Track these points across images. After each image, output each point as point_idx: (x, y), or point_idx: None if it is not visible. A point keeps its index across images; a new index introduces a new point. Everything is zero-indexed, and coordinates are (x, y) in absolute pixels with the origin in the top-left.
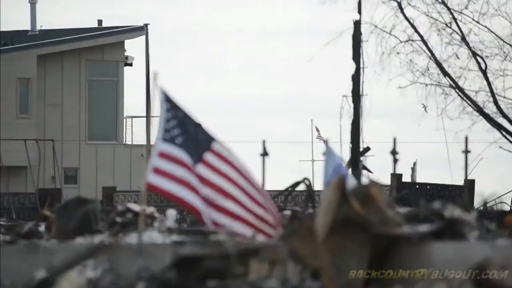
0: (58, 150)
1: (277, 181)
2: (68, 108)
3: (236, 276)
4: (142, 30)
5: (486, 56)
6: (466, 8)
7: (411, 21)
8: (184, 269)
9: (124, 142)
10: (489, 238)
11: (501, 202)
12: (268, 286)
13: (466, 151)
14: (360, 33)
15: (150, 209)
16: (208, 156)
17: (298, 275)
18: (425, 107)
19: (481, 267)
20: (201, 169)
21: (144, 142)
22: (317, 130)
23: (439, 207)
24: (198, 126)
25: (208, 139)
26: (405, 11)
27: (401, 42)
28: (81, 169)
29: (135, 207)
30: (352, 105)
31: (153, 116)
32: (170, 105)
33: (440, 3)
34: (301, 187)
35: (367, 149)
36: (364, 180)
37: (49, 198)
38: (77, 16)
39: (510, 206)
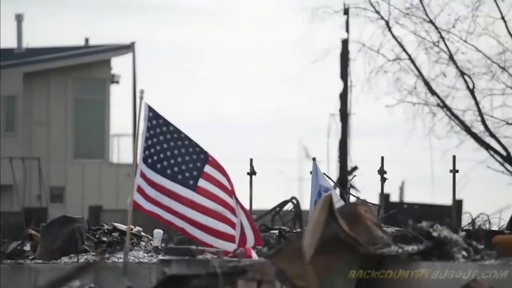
0: (44, 168)
1: (264, 200)
2: (54, 126)
3: None
4: (129, 48)
5: (473, 74)
6: (453, 27)
7: (399, 40)
8: None
9: (111, 160)
10: (477, 258)
11: (489, 222)
12: None
13: (454, 171)
14: (348, 52)
15: (137, 229)
16: (201, 182)
17: None
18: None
19: (470, 287)
20: (197, 196)
21: (131, 161)
22: (306, 151)
23: (427, 227)
24: (189, 142)
25: (200, 160)
26: (392, 29)
27: (389, 60)
28: (68, 187)
29: (122, 226)
30: (339, 123)
31: (140, 135)
32: (150, 124)
33: (428, 22)
34: (289, 206)
35: (355, 168)
36: (352, 199)
37: (35, 217)
38: (64, 34)
39: (499, 227)
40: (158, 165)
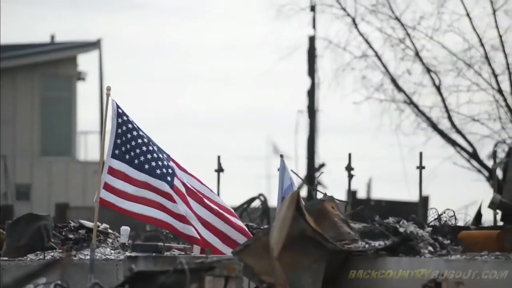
0: (10, 166)
1: (232, 197)
2: (20, 124)
3: None
4: (95, 45)
5: (439, 71)
6: (419, 24)
7: (365, 36)
8: (138, 285)
9: (78, 158)
10: (443, 253)
11: (455, 218)
12: None
13: (421, 167)
14: (315, 49)
15: (104, 225)
16: (176, 181)
17: None
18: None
19: (436, 282)
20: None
21: (98, 158)
22: (274, 148)
23: (394, 223)
24: (152, 141)
25: (167, 158)
26: (359, 26)
27: (355, 57)
28: (34, 185)
29: (88, 223)
30: (307, 120)
31: (107, 132)
32: (122, 120)
33: (393, 19)
34: (257, 203)
35: (323, 165)
36: (319, 196)
37: (0, 215)
38: (29, 31)
39: (465, 222)
40: (136, 161)
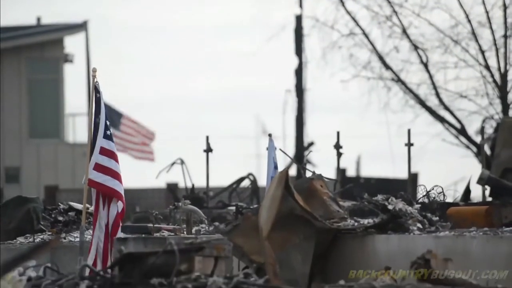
0: None
1: (221, 177)
2: (8, 107)
3: (180, 273)
4: (81, 27)
5: (426, 48)
6: (406, 1)
7: (352, 15)
8: (128, 267)
9: (66, 140)
10: (432, 230)
11: (443, 194)
12: (212, 283)
13: (409, 144)
14: (302, 28)
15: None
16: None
17: (243, 271)
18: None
19: (424, 259)
20: None
21: (86, 140)
22: (262, 127)
23: (383, 200)
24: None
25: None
26: (346, 4)
27: (342, 36)
28: (23, 168)
29: (78, 205)
30: (295, 99)
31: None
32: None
33: None
34: (246, 182)
35: (311, 143)
36: (308, 174)
37: None
38: (15, 14)
39: (454, 199)
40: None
